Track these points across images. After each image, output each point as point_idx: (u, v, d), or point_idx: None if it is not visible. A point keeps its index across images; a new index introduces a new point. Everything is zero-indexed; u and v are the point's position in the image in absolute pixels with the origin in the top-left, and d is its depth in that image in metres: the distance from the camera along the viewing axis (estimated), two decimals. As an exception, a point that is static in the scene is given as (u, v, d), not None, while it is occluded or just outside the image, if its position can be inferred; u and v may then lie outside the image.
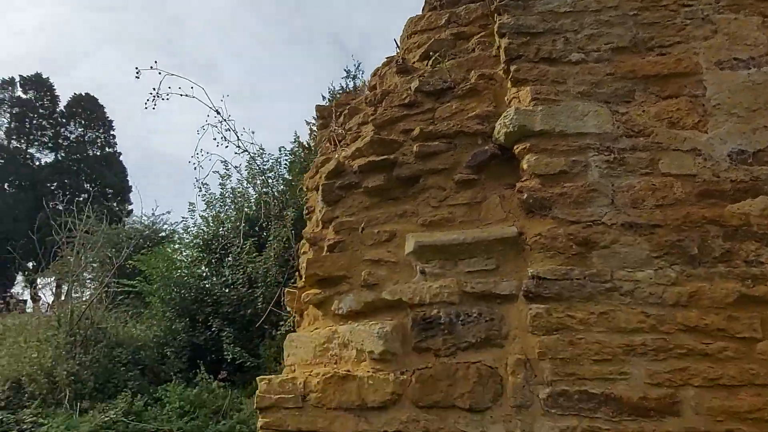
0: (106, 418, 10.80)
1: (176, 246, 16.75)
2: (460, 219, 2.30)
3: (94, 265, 16.36)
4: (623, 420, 1.96)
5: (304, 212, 2.83)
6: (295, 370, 2.32)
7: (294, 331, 2.66)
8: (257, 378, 2.30)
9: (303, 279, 2.46)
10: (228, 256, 15.75)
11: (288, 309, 2.68)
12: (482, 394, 2.02)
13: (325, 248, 2.43)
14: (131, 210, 23.95)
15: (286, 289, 2.67)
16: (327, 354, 2.29)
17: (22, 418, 10.20)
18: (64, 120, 27.68)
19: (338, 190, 2.46)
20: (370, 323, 2.20)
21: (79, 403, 11.43)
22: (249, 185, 16.87)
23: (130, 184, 26.37)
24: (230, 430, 11.83)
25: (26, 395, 11.05)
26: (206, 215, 16.68)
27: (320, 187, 2.52)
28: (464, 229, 2.25)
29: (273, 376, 2.27)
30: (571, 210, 2.16)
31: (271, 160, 17.51)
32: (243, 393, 13.33)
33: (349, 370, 2.15)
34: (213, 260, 15.61)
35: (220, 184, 16.70)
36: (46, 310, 17.09)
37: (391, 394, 2.08)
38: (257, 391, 2.22)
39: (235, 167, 21.66)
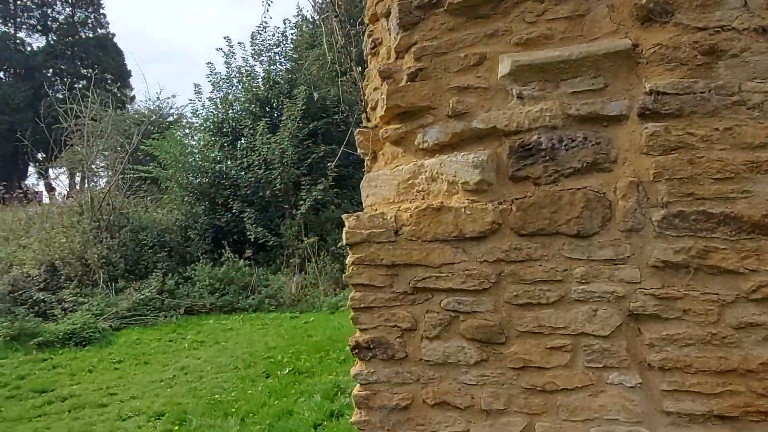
0: (142, 296, 11.30)
1: (186, 130, 16.47)
2: (561, 36, 2.05)
3: (105, 153, 16.20)
4: (741, 239, 1.87)
5: (365, 47, 2.57)
6: (377, 210, 2.22)
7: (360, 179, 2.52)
8: (342, 216, 2.20)
9: (380, 115, 2.27)
10: (240, 139, 15.54)
11: (360, 152, 2.52)
12: (590, 220, 1.92)
13: (405, 79, 2.21)
14: (133, 96, 23.37)
15: (357, 130, 2.48)
16: (412, 190, 2.17)
17: (63, 298, 10.67)
18: (50, -1, 26.07)
19: (416, 11, 2.18)
20: (462, 153, 2.05)
21: (114, 284, 11.92)
22: (255, 62, 16.20)
23: (129, 68, 25.47)
24: (260, 303, 12.43)
25: (62, 277, 11.49)
26: (214, 97, 16.22)
27: (394, 11, 2.24)
28: (566, 46, 2.02)
29: (360, 212, 2.17)
30: (698, 14, 1.90)
31: (276, 35, 16.63)
32: (267, 270, 13.83)
33: (442, 203, 2.04)
34: (225, 144, 15.42)
35: (225, 63, 16.05)
36: (64, 200, 17.28)
37: (491, 224, 1.98)
38: (345, 228, 2.12)
39: (239, 43, 20.68)
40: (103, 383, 7.52)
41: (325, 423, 5.40)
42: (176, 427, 5.67)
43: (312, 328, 10.25)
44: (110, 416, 6.22)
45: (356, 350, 2.06)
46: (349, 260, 2.13)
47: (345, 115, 15.45)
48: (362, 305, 2.07)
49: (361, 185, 2.35)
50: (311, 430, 5.26)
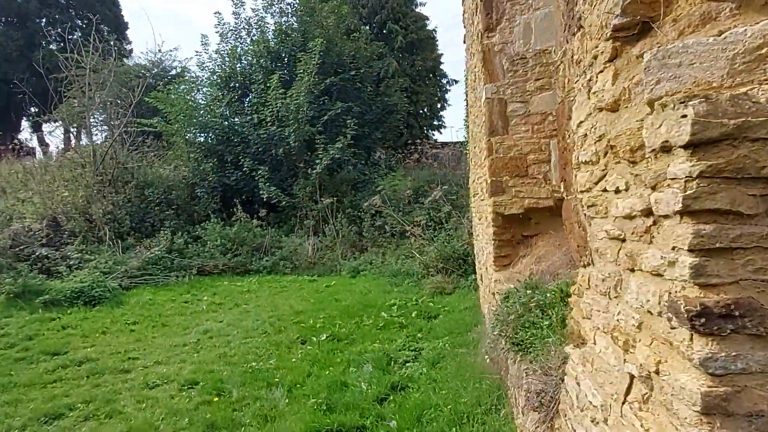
0: (151, 254, 10.29)
1: (192, 84, 15.14)
2: None
3: (106, 105, 14.83)
4: None
5: None
6: (667, 106, 1.32)
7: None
8: (673, 103, 1.27)
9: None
10: (249, 94, 14.34)
11: (616, 22, 1.58)
12: None
13: None
14: (131, 49, 21.77)
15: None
16: (764, 64, 1.27)
17: (68, 254, 9.61)
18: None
19: None
20: None
21: (120, 241, 10.86)
22: (266, 14, 14.89)
23: (126, 20, 23.62)
24: (275, 265, 11.49)
25: (65, 233, 10.39)
26: (221, 50, 14.92)
27: None
28: None
29: (707, 94, 1.25)
30: None
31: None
32: (279, 231, 12.85)
33: None
34: (233, 99, 14.22)
35: (233, 13, 14.74)
36: (62, 154, 15.95)
37: None
38: (690, 118, 1.21)
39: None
40: (120, 346, 6.63)
41: (392, 397, 4.55)
42: (215, 398, 4.81)
43: (337, 293, 9.41)
44: (135, 383, 5.34)
45: (701, 319, 1.18)
46: (686, 169, 1.22)
47: (361, 71, 14.30)
48: (714, 245, 1.18)
49: (644, 67, 1.44)
50: (375, 404, 4.43)
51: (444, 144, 17.89)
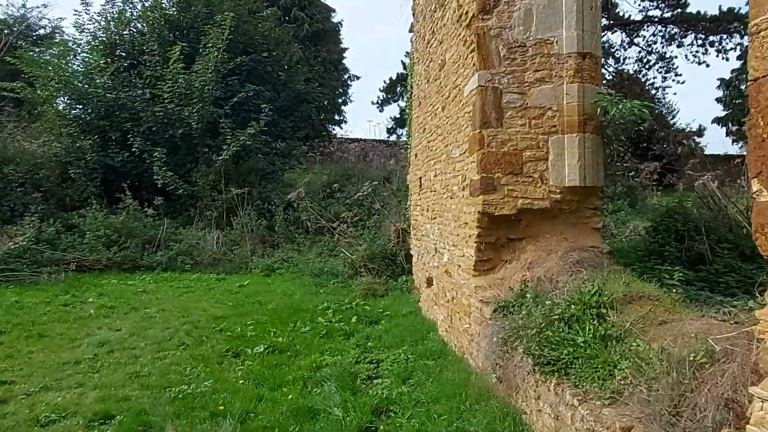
0: (14, 245, 8.14)
1: (66, 48, 12.53)
2: None
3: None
4: None
5: None
6: None
7: None
8: None
9: None
10: (140, 65, 12.25)
11: None
12: None
13: None
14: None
15: None
16: None
17: None
18: None
19: None
20: None
21: (-32, 228, 8.47)
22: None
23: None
24: (171, 261, 9.84)
25: None
26: (106, 12, 12.61)
27: None
28: None
29: None
30: None
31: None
32: (174, 222, 11.06)
33: None
34: (120, 69, 12.02)
35: (125, -29, 12.55)
36: None
37: None
38: None
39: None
40: (-18, 366, 4.93)
41: (380, 427, 3.72)
42: (144, 438, 3.58)
43: (256, 294, 8.20)
44: (18, 419, 3.93)
45: None
46: None
47: (273, 54, 13.01)
48: None
49: None
50: (360, 436, 3.57)
51: (354, 140, 17.10)
